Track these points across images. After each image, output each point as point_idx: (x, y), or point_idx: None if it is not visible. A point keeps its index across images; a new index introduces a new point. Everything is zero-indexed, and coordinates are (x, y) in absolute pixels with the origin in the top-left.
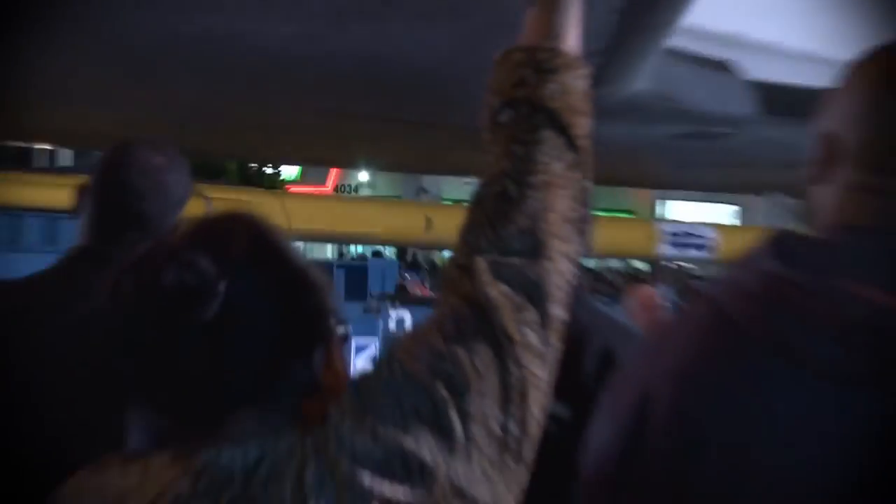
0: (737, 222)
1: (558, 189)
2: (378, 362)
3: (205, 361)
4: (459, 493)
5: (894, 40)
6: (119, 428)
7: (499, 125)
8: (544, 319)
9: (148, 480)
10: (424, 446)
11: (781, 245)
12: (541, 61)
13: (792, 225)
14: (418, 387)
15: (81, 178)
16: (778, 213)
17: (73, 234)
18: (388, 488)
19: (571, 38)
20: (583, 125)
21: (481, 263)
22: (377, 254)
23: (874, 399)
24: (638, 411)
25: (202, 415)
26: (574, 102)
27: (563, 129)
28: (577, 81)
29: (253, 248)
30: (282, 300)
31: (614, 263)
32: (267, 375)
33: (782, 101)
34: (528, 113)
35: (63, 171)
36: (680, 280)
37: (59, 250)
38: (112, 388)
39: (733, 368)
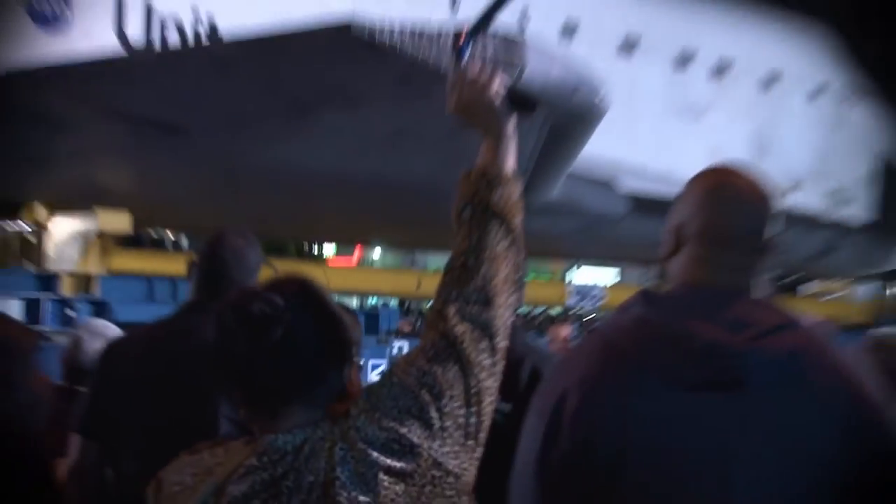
0: (618, 281)
1: (501, 261)
2: (382, 376)
3: (272, 370)
4: (437, 464)
5: (717, 164)
6: (214, 421)
7: (462, 219)
8: (493, 348)
9: (228, 458)
10: (413, 433)
11: (646, 297)
12: (490, 178)
13: (653, 283)
14: (410, 393)
15: (192, 255)
16: (644, 276)
17: (187, 292)
18: (389, 461)
19: (509, 164)
20: (517, 220)
21: (451, 309)
22: (385, 304)
23: (714, 399)
24: (557, 408)
25: (267, 409)
26: (511, 205)
27: (504, 222)
28: (513, 192)
29: (306, 295)
30: (324, 331)
31: (539, 310)
32: (311, 383)
33: (642, 204)
34: (481, 212)
35: (181, 249)
36: (581, 321)
37: (179, 303)
38: (210, 395)
39: (616, 379)
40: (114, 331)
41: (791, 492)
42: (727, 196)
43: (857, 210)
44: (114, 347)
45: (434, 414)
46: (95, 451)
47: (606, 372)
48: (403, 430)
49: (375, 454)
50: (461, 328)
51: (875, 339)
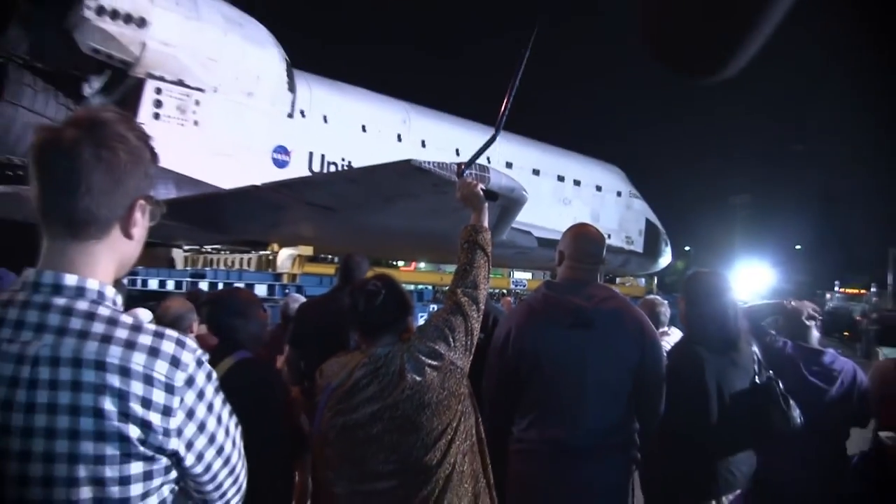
0: (532, 277)
1: (482, 269)
2: (426, 322)
3: (377, 317)
4: (452, 363)
5: (579, 223)
6: (346, 341)
7: (463, 248)
8: (479, 309)
9: (353, 359)
10: (441, 347)
11: (547, 284)
12: (476, 229)
13: (550, 278)
14: (439, 330)
15: (336, 265)
16: (545, 276)
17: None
18: (429, 361)
19: (485, 223)
20: (489, 249)
21: (459, 291)
22: (426, 287)
23: (579, 332)
24: (506, 336)
25: (372, 336)
26: (487, 242)
27: (483, 251)
28: (487, 236)
29: (391, 283)
30: (399, 300)
31: (496, 291)
32: (394, 324)
33: (543, 242)
34: (472, 245)
35: (333, 263)
36: (517, 296)
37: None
38: (346, 330)
39: (534, 323)
40: (302, 299)
41: (614, 375)
42: (583, 236)
43: (637, 246)
44: (304, 306)
45: (451, 339)
46: (296, 353)
47: (528, 320)
48: (436, 347)
49: (424, 357)
50: (464, 299)
51: (644, 300)
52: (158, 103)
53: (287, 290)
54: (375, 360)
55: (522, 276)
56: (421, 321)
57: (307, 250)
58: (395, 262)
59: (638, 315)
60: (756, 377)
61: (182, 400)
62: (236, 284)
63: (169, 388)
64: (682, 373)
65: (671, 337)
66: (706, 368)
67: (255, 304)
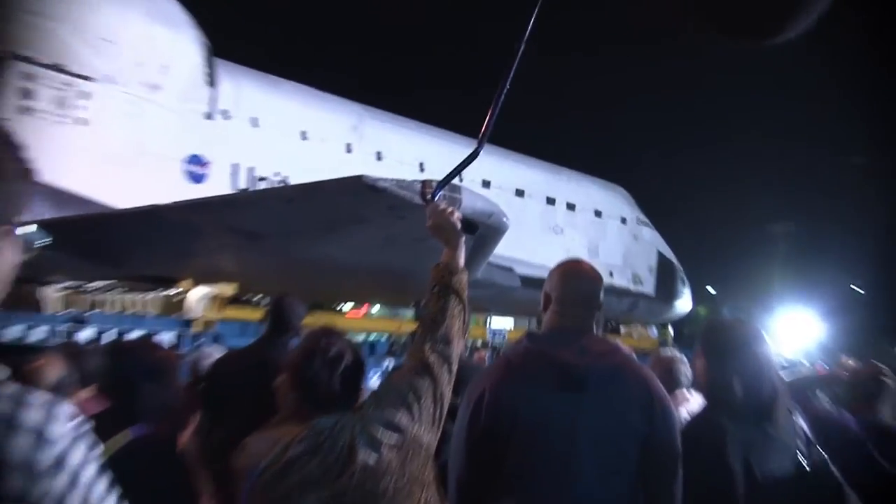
0: (514, 326)
1: (456, 319)
2: (383, 384)
3: (336, 387)
4: (416, 440)
5: (570, 259)
6: (273, 404)
7: (433, 292)
8: (451, 370)
9: (288, 432)
10: (404, 420)
11: (530, 335)
12: (450, 270)
13: (533, 327)
14: (401, 396)
15: (266, 309)
16: (529, 323)
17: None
18: (387, 437)
19: (461, 262)
20: (465, 295)
21: (427, 346)
22: (380, 339)
23: (567, 396)
24: (478, 400)
25: (323, 405)
26: (463, 286)
27: (458, 296)
28: (464, 277)
29: (350, 346)
30: (360, 366)
31: (470, 342)
32: (348, 395)
33: (528, 281)
34: (445, 289)
35: (260, 305)
36: (494, 348)
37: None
38: (271, 389)
39: (512, 383)
40: (219, 352)
41: (614, 451)
42: (574, 275)
43: (646, 287)
44: (219, 361)
45: (416, 409)
46: (209, 419)
47: (506, 379)
48: (396, 418)
49: (380, 432)
50: (433, 358)
51: (656, 356)
52: (28, 93)
53: (200, 341)
54: (318, 432)
55: (502, 323)
56: (373, 383)
57: (227, 290)
58: (340, 306)
59: (645, 375)
60: (802, 458)
61: (48, 489)
62: (132, 334)
63: (28, 473)
64: (700, 449)
65: (692, 404)
66: (728, 442)
67: (173, 366)
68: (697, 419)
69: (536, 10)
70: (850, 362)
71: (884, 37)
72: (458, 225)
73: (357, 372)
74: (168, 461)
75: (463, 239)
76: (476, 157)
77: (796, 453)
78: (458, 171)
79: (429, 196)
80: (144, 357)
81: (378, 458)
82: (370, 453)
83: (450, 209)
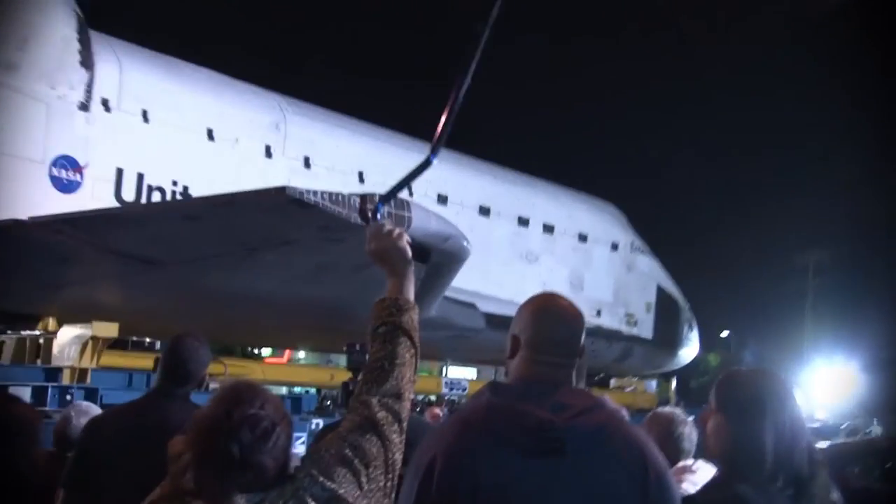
0: (476, 377)
1: (408, 367)
2: (319, 447)
3: (260, 459)
4: None
5: (544, 292)
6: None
7: (377, 333)
8: (401, 429)
9: None
10: (349, 493)
11: (493, 387)
12: (399, 306)
13: (499, 378)
14: (346, 463)
15: (159, 354)
16: (496, 374)
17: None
18: None
19: (411, 296)
20: (417, 336)
21: (374, 401)
22: (307, 391)
23: (541, 462)
24: (428, 468)
25: (240, 482)
26: (414, 325)
27: (409, 338)
28: (415, 314)
29: (276, 407)
30: (288, 433)
31: (420, 397)
32: (277, 470)
33: (494, 321)
34: (393, 329)
35: (152, 350)
36: (450, 404)
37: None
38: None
39: (470, 448)
40: (95, 410)
41: None
42: (548, 314)
43: (643, 330)
44: (95, 421)
45: (363, 479)
46: (78, 501)
47: (463, 442)
48: (341, 491)
49: None
50: (382, 414)
51: (652, 415)
52: None
53: (70, 396)
54: None
55: (461, 374)
56: (300, 447)
57: (107, 330)
58: (256, 351)
59: (635, 437)
60: None
61: None
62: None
63: None
64: None
65: (698, 475)
66: None
67: (32, 426)
68: (713, 491)
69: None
70: None
71: None
72: (408, 251)
73: (289, 442)
74: None
75: (412, 268)
76: (428, 166)
77: None
78: (406, 182)
79: (370, 214)
80: None
81: None
82: None
83: (396, 231)
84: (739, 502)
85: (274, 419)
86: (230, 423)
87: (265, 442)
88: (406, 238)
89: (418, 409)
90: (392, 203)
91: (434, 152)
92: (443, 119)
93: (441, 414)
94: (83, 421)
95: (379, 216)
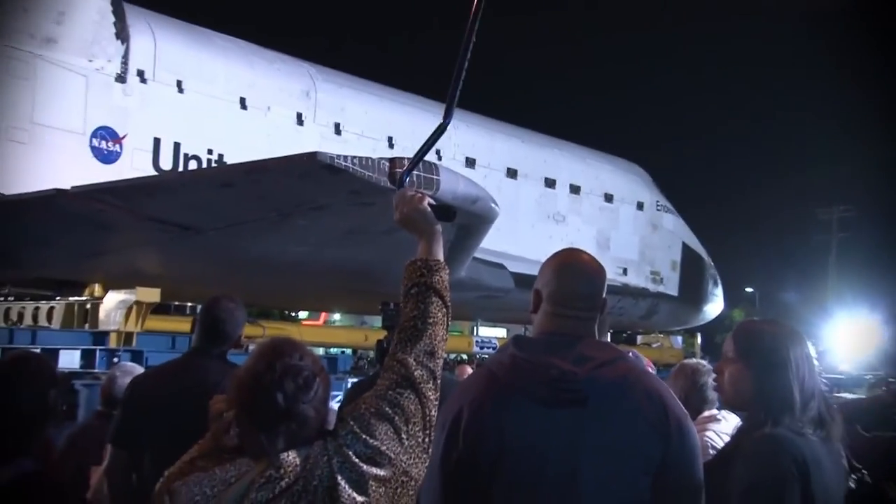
0: (504, 335)
1: (440, 325)
2: (359, 403)
3: (306, 412)
4: (405, 472)
5: (566, 248)
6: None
7: (410, 294)
8: (436, 386)
9: (241, 472)
10: (390, 449)
11: (517, 341)
12: (429, 266)
13: (524, 332)
14: (386, 420)
15: (195, 315)
16: (523, 332)
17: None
18: (374, 470)
19: (440, 256)
20: (448, 295)
21: (410, 359)
22: (342, 352)
23: (564, 412)
24: (454, 421)
25: (283, 435)
26: (445, 285)
27: (441, 298)
28: (445, 276)
29: (315, 362)
30: (327, 386)
31: (452, 355)
32: (318, 423)
33: (523, 281)
34: (425, 290)
35: (193, 314)
36: (480, 362)
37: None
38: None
39: (495, 400)
40: (138, 369)
41: (622, 476)
42: (570, 269)
43: (669, 287)
44: (136, 381)
45: (404, 435)
46: (123, 458)
47: (488, 395)
48: (384, 448)
49: (365, 466)
50: (419, 372)
51: (679, 366)
52: None
53: (117, 358)
54: (285, 470)
55: (491, 333)
56: (335, 403)
57: (150, 295)
58: (293, 313)
59: (656, 386)
60: (849, 480)
61: None
62: (27, 349)
63: None
64: (781, 481)
65: (723, 424)
66: (811, 466)
67: (48, 380)
68: (756, 439)
69: None
70: None
71: None
72: (429, 212)
73: (327, 395)
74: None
75: (439, 228)
76: (444, 130)
77: (846, 472)
78: (425, 149)
79: (397, 180)
80: (11, 375)
81: (366, 498)
82: (357, 492)
83: (419, 195)
84: (780, 444)
85: (314, 370)
86: (273, 375)
87: (307, 391)
88: (427, 200)
89: (448, 367)
90: (420, 167)
91: (447, 116)
92: (453, 82)
93: (471, 371)
94: (127, 380)
95: (405, 183)
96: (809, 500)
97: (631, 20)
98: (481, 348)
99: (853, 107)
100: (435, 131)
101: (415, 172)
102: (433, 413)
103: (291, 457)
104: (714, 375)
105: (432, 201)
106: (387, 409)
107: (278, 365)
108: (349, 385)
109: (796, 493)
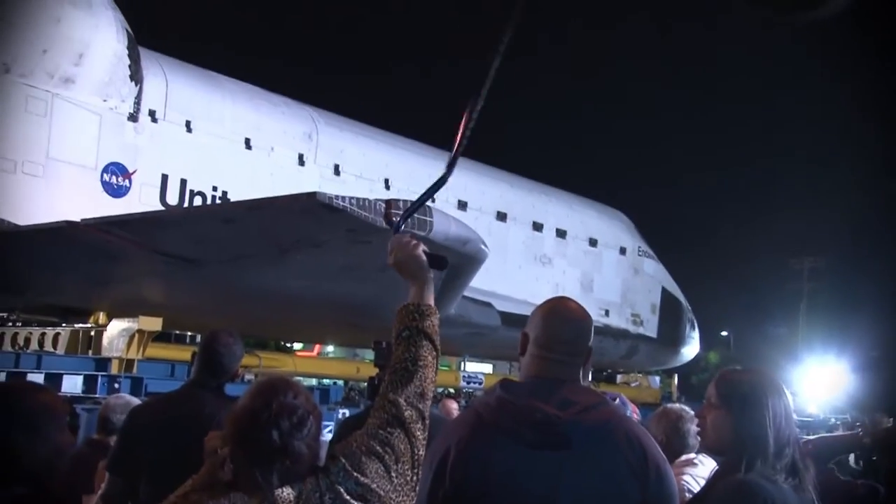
0: (493, 371)
1: (430, 369)
2: (350, 440)
3: (299, 450)
4: None
5: (556, 297)
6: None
7: (402, 337)
8: (424, 426)
9: None
10: (381, 487)
11: (504, 384)
12: (422, 311)
13: (512, 374)
14: (377, 459)
15: (195, 348)
16: (510, 369)
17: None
18: None
19: (431, 301)
20: (438, 339)
21: (401, 400)
22: (334, 383)
23: (549, 455)
24: (442, 460)
25: (276, 473)
26: (435, 329)
27: (431, 341)
28: (436, 319)
29: (307, 399)
30: (318, 424)
31: (440, 390)
32: (310, 459)
33: (510, 319)
34: (416, 334)
35: (193, 343)
36: (467, 396)
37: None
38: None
39: (482, 441)
40: (134, 401)
41: None
42: (557, 314)
43: (648, 329)
44: (137, 409)
45: (393, 474)
46: (120, 485)
47: (474, 435)
48: (374, 486)
49: (355, 503)
50: (409, 412)
51: (661, 410)
52: None
53: (118, 384)
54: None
55: (478, 368)
56: (327, 433)
57: (152, 324)
58: (288, 344)
59: (636, 432)
60: None
61: None
62: (31, 377)
63: None
64: None
65: (700, 469)
66: None
67: (53, 411)
68: (728, 483)
69: (514, 19)
70: (887, 420)
71: None
72: (423, 259)
73: (318, 432)
74: None
75: (431, 275)
76: (445, 181)
77: None
78: (425, 196)
79: (392, 226)
80: (11, 402)
81: None
82: None
83: (413, 242)
84: (751, 488)
85: (307, 407)
86: (269, 413)
87: (301, 428)
88: (422, 247)
89: (434, 401)
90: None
91: (450, 169)
92: (458, 138)
93: (456, 406)
94: (123, 411)
95: (400, 229)
96: None
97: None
98: (468, 383)
99: (828, 157)
100: (436, 182)
101: (412, 221)
102: (421, 452)
103: (286, 493)
104: (697, 421)
105: (426, 249)
106: (377, 447)
107: (274, 403)
108: (340, 416)
109: None
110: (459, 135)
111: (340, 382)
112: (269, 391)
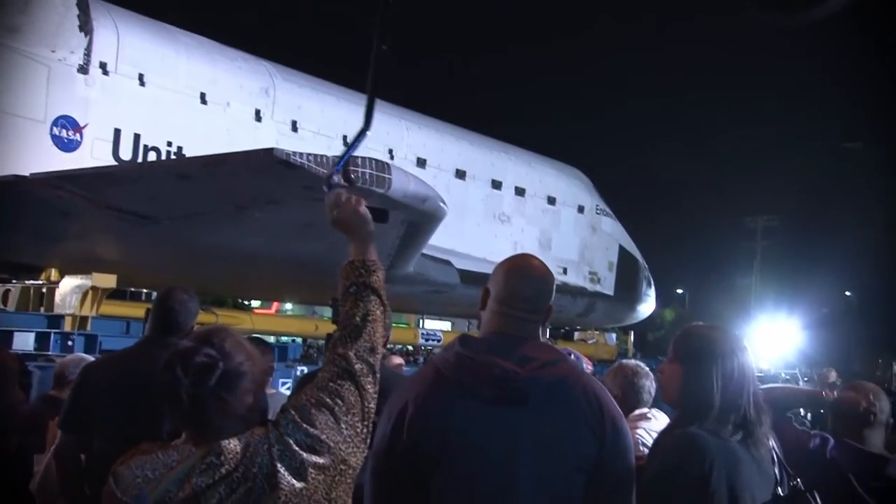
0: (451, 329)
1: (379, 323)
2: (300, 394)
3: (213, 403)
4: (343, 461)
5: (519, 253)
6: (159, 424)
7: (349, 293)
8: (374, 380)
9: (183, 457)
10: (330, 438)
11: (463, 339)
12: (368, 266)
13: (471, 330)
14: (326, 410)
15: (150, 304)
16: (468, 327)
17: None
18: (314, 458)
19: (375, 255)
20: (385, 293)
21: (351, 354)
22: (293, 341)
23: (506, 411)
24: (399, 414)
25: (207, 429)
26: (381, 284)
27: (378, 296)
28: (381, 274)
29: (229, 345)
30: (245, 374)
31: (399, 347)
32: (243, 413)
33: (468, 277)
34: (364, 289)
35: (149, 300)
36: (427, 354)
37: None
38: (157, 404)
39: (440, 395)
40: (88, 358)
41: (557, 474)
42: (519, 271)
43: (605, 286)
44: (91, 366)
45: (343, 425)
46: (73, 441)
47: (433, 390)
48: (324, 437)
49: (305, 454)
50: (359, 366)
51: (617, 366)
52: None
53: (71, 342)
54: (229, 457)
55: (437, 326)
56: (284, 390)
57: (106, 280)
58: (246, 302)
59: (593, 388)
60: (778, 487)
61: None
62: None
63: None
64: (679, 471)
65: (653, 423)
66: (715, 466)
67: (4, 368)
68: (673, 436)
69: None
70: (834, 374)
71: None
72: (368, 215)
73: (254, 384)
74: (8, 488)
75: (372, 229)
76: (364, 135)
77: (775, 482)
78: (349, 153)
79: (325, 184)
80: None
81: (304, 484)
82: (295, 478)
83: (354, 198)
84: (692, 440)
85: (217, 359)
86: (169, 364)
87: (204, 379)
88: (364, 202)
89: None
90: (372, 166)
91: (367, 125)
92: (368, 93)
93: (401, 363)
94: (77, 368)
95: (335, 180)
96: (713, 497)
97: (568, 27)
98: (427, 340)
99: (784, 119)
100: (357, 135)
101: (367, 170)
102: (371, 405)
103: (232, 444)
104: (651, 377)
105: (367, 204)
106: (327, 399)
107: (176, 358)
108: (298, 373)
109: (694, 488)
110: (370, 90)
111: (299, 340)
112: (187, 346)
